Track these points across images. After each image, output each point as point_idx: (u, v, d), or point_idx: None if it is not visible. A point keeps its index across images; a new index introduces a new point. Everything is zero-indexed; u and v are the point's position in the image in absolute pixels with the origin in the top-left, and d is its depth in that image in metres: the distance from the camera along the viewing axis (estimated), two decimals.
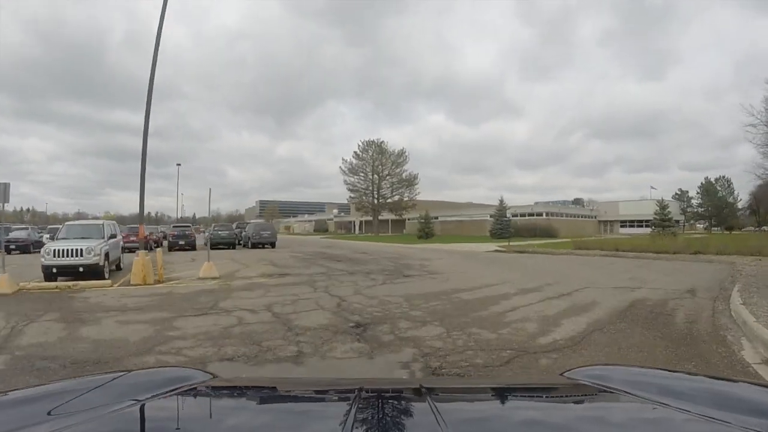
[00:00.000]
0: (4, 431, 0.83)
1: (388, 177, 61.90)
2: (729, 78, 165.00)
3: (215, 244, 26.33)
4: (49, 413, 0.93)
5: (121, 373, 1.30)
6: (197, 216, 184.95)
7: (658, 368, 1.68)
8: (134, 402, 1.02)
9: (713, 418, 0.89)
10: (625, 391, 1.10)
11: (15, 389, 1.15)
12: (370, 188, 62.27)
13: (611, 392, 1.13)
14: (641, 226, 62.19)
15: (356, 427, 0.83)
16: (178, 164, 54.51)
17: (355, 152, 62.12)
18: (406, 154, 61.96)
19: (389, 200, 62.15)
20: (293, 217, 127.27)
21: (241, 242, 31.65)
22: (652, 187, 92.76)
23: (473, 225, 61.20)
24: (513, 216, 47.69)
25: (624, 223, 67.50)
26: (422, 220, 44.73)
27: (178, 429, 0.94)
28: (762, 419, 0.88)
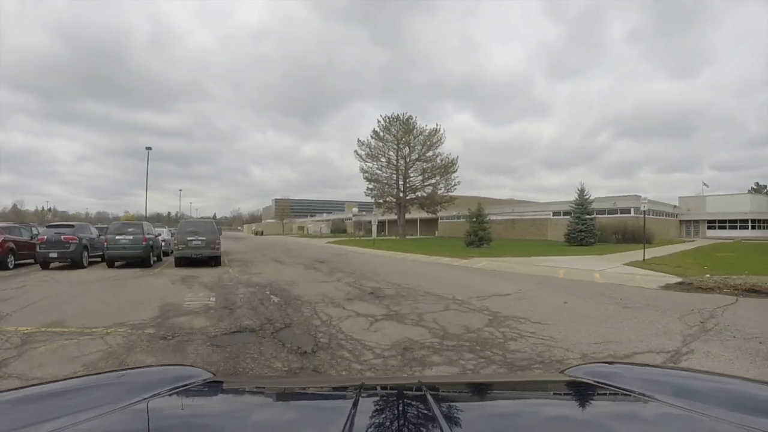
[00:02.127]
0: (5, 430, 0.82)
1: (417, 162, 47.82)
2: (762, 74, 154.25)
3: (114, 259, 16.81)
4: (49, 412, 0.92)
5: (121, 372, 1.34)
6: (218, 216, 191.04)
7: (659, 366, 1.65)
8: (134, 401, 1.01)
9: (715, 416, 0.88)
10: (626, 389, 1.11)
11: (15, 389, 1.14)
12: (395, 177, 48.28)
13: (612, 389, 1.14)
14: (734, 227, 50.65)
15: (358, 425, 0.83)
16: (148, 148, 42.52)
17: (374, 131, 48.29)
18: (442, 131, 47.79)
19: (419, 193, 48.07)
20: (311, 216, 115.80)
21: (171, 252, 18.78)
22: (704, 184, 78.76)
23: (530, 226, 47.69)
24: (586, 213, 33.31)
25: (712, 224, 52.75)
26: (474, 219, 30.52)
27: (178, 428, 0.96)
28: (764, 418, 0.87)
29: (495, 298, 8.91)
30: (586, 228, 31.89)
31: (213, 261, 16.93)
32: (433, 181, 47.62)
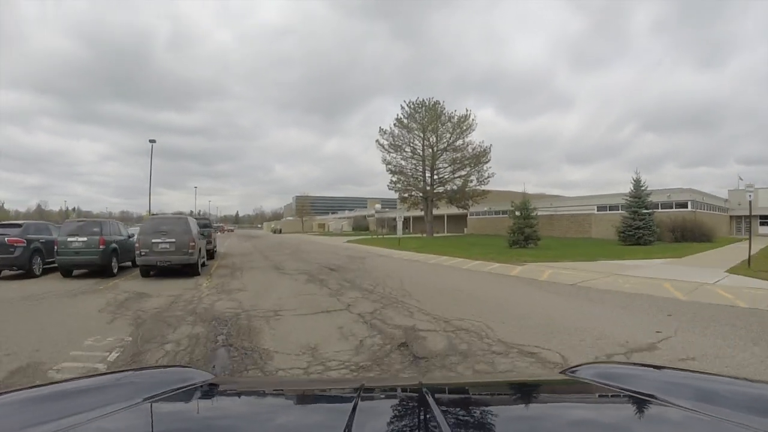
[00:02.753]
0: (5, 431, 0.83)
1: (447, 151, 43.13)
2: None
3: (65, 267, 13.19)
4: (48, 414, 0.91)
5: (121, 373, 1.36)
6: (240, 214, 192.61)
7: (659, 366, 1.50)
8: (133, 402, 1.00)
9: (716, 416, 0.88)
10: (626, 389, 1.11)
11: (16, 389, 1.14)
12: (420, 169, 43.67)
13: (611, 389, 1.14)
14: None
15: (358, 426, 0.83)
16: (152, 141, 39.27)
17: (398, 118, 43.76)
18: (472, 118, 42.96)
19: (448, 186, 43.36)
20: (332, 213, 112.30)
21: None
22: (740, 178, 71.36)
23: (571, 222, 42.82)
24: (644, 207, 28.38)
25: (766, 219, 46.47)
26: (519, 214, 25.76)
27: (177, 429, 0.96)
28: (764, 418, 0.87)
29: (637, 356, 4.53)
30: (645, 224, 26.88)
31: (189, 269, 12.81)
32: (464, 172, 42.88)
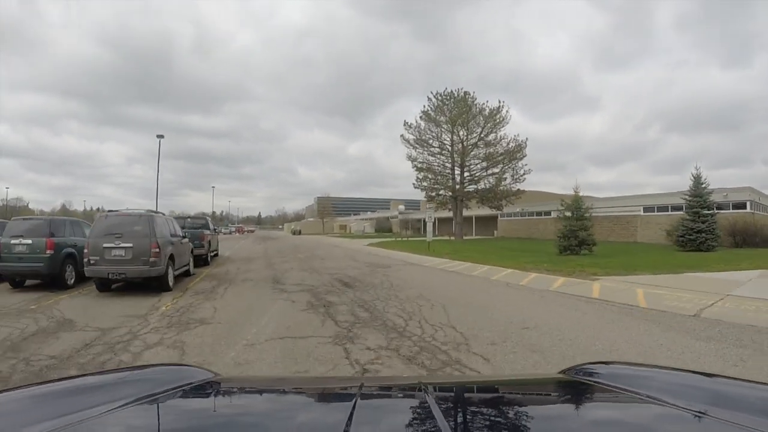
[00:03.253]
0: (5, 429, 0.82)
1: (478, 147, 39.41)
2: None
3: (11, 276, 10.49)
4: (49, 412, 0.90)
5: (123, 371, 1.35)
6: (263, 215, 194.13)
7: (657, 366, 1.51)
8: (136, 400, 1.00)
9: (715, 417, 0.88)
10: (625, 389, 1.11)
11: (16, 388, 1.15)
12: (449, 165, 40.04)
13: (610, 389, 1.14)
14: None
15: (357, 425, 0.83)
16: (160, 136, 36.92)
17: (424, 110, 40.24)
18: (506, 110, 39.11)
19: (480, 185, 39.61)
20: (354, 215, 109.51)
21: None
22: None
23: (613, 224, 38.63)
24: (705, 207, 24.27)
25: None
26: (570, 214, 21.96)
27: (178, 427, 0.95)
28: (764, 419, 0.86)
29: None
30: (708, 227, 22.74)
31: (156, 283, 9.69)
32: (497, 169, 39.07)
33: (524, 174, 39.03)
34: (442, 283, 10.91)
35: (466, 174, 39.50)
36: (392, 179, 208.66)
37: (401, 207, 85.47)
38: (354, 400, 0.97)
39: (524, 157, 38.87)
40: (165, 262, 9.75)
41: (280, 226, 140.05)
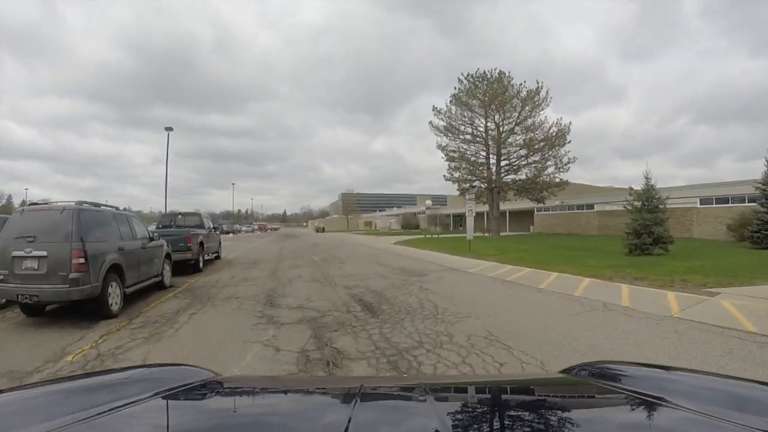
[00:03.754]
0: (5, 429, 0.82)
1: (515, 132, 35.48)
2: None
3: None
4: (49, 412, 0.90)
5: (123, 371, 1.34)
6: (288, 213, 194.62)
7: (658, 366, 1.44)
8: (135, 400, 0.99)
9: (712, 416, 0.87)
10: (625, 388, 1.11)
11: (17, 388, 1.20)
12: (483, 154, 36.23)
13: (611, 389, 1.14)
14: None
15: (357, 425, 0.82)
16: (168, 128, 34.59)
17: (454, 95, 36.49)
18: (546, 90, 35.03)
19: (520, 174, 35.69)
20: (379, 211, 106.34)
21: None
22: None
23: (681, 219, 33.81)
24: None
25: None
26: (640, 205, 18.03)
27: (179, 427, 0.94)
28: (763, 418, 0.86)
29: None
30: None
31: (95, 306, 6.63)
32: (536, 158, 35.06)
33: (568, 163, 34.92)
34: (512, 307, 7.40)
35: (503, 163, 35.65)
36: (416, 175, 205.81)
37: (428, 202, 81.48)
38: (354, 401, 0.97)
39: (567, 143, 34.75)
40: (100, 278, 6.61)
41: (305, 224, 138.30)
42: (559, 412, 1.07)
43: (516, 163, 35.43)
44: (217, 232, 16.73)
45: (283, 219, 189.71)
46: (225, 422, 0.97)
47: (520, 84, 35.05)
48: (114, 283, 7.20)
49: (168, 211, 14.55)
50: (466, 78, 35.91)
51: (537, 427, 0.93)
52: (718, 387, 1.13)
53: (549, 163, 34.61)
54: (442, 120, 36.37)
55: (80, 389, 1.11)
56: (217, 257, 16.72)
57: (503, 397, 1.25)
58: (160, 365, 1.48)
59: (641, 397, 1.02)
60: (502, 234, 36.88)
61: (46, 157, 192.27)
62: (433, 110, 36.44)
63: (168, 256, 10.34)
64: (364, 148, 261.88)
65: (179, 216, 14.42)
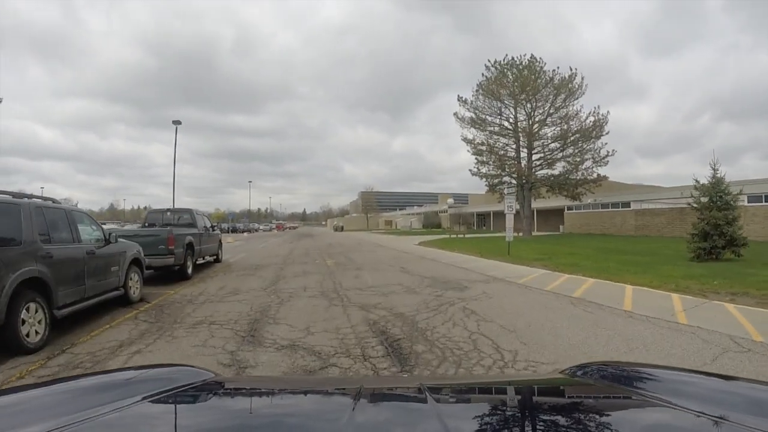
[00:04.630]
0: (5, 430, 0.81)
1: (547, 123, 32.60)
2: None
3: None
4: (49, 412, 0.90)
5: (122, 372, 1.34)
6: (308, 211, 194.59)
7: (658, 365, 1.49)
8: (135, 400, 0.98)
9: (715, 416, 0.86)
10: (626, 388, 1.12)
11: (16, 388, 1.15)
12: (514, 147, 33.39)
13: (611, 389, 1.14)
14: None
15: (357, 426, 0.82)
16: (176, 122, 33.05)
17: (480, 84, 33.74)
18: (581, 78, 32.06)
19: (554, 169, 32.81)
20: (400, 210, 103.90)
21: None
22: None
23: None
24: None
25: None
26: (707, 201, 15.15)
27: (179, 428, 0.93)
28: (762, 418, 0.85)
29: None
30: None
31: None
32: (572, 151, 32.10)
33: (607, 156, 31.88)
34: (612, 346, 4.88)
35: (535, 157, 32.80)
36: (436, 174, 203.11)
37: (450, 200, 78.80)
38: (354, 401, 0.97)
39: (605, 134, 31.70)
40: (2, 301, 4.41)
41: (323, 223, 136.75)
42: (560, 412, 1.05)
43: (550, 156, 32.51)
44: (216, 232, 14.52)
45: (303, 218, 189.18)
46: (225, 423, 0.95)
47: (553, 71, 32.18)
48: (33, 305, 5.03)
49: (156, 207, 12.34)
50: (493, 65, 33.16)
51: (538, 427, 0.90)
52: (719, 387, 1.12)
53: (586, 156, 31.64)
54: (469, 111, 33.72)
55: (80, 389, 1.10)
56: (216, 260, 14.54)
57: (504, 397, 1.23)
58: (159, 365, 1.41)
59: (642, 397, 1.03)
60: (533, 234, 34.03)
61: (69, 158, 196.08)
62: (458, 100, 33.82)
63: (137, 262, 8.13)
64: (384, 147, 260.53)
65: (168, 213, 12.23)
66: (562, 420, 0.97)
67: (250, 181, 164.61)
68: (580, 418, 0.98)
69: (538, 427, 0.91)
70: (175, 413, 1.03)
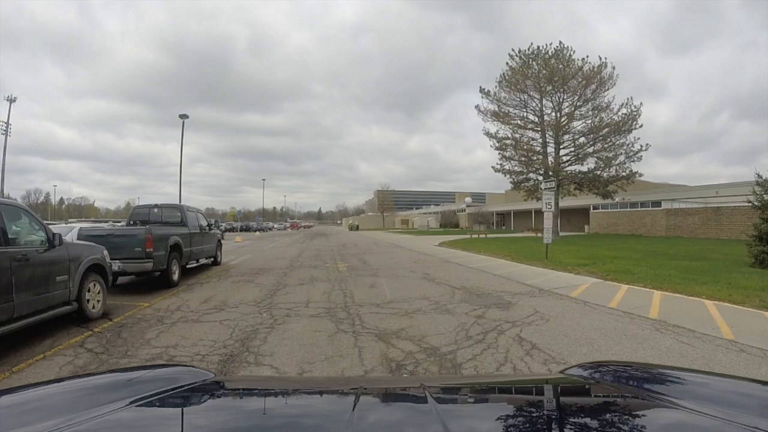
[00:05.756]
0: (4, 430, 0.81)
1: (575, 116, 30.40)
2: None
3: None
4: (49, 412, 0.89)
5: (122, 372, 1.31)
6: (323, 210, 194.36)
7: (658, 365, 1.46)
8: (136, 400, 0.98)
9: (715, 416, 0.86)
10: (625, 388, 1.12)
11: (16, 388, 1.11)
12: (540, 142, 31.28)
13: (612, 389, 1.14)
14: None
15: (358, 426, 0.82)
16: (183, 116, 31.60)
17: (504, 73, 31.67)
18: (611, 68, 29.79)
19: (583, 165, 30.60)
20: (416, 209, 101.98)
21: None
22: None
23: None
24: None
25: None
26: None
27: (178, 428, 0.92)
28: (763, 418, 0.85)
29: None
30: None
31: None
32: (604, 145, 29.84)
33: (640, 151, 29.56)
34: None
35: (563, 151, 30.65)
36: (452, 173, 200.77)
37: (468, 199, 76.78)
38: (354, 401, 0.97)
39: (638, 127, 29.36)
40: None
41: (339, 222, 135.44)
42: (560, 412, 1.05)
43: (581, 151, 30.29)
44: (214, 231, 12.91)
45: (319, 217, 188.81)
46: (225, 423, 0.94)
47: (582, 59, 29.95)
48: None
49: (140, 204, 10.77)
50: (517, 54, 31.06)
51: (537, 427, 0.90)
52: (720, 387, 1.11)
53: (621, 152, 29.36)
54: (492, 103, 31.67)
55: (80, 390, 1.10)
56: (215, 263, 12.94)
57: (504, 397, 1.22)
58: (159, 366, 1.40)
59: (642, 396, 1.03)
60: (560, 235, 31.92)
61: (86, 157, 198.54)
62: (480, 92, 31.78)
63: (98, 269, 6.53)
64: (400, 147, 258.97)
65: (155, 209, 10.64)
66: (562, 419, 0.96)
67: (263, 179, 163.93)
68: (579, 418, 0.98)
69: (538, 427, 0.90)
70: (175, 413, 1.02)
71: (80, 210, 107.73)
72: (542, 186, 16.41)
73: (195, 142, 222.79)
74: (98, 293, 6.50)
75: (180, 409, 1.05)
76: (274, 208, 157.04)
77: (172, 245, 8.86)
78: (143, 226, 8.89)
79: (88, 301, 6.22)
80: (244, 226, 63.53)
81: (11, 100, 50.55)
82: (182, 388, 1.09)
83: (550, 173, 29.64)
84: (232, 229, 53.80)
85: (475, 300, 7.17)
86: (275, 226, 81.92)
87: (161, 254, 8.37)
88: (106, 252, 6.91)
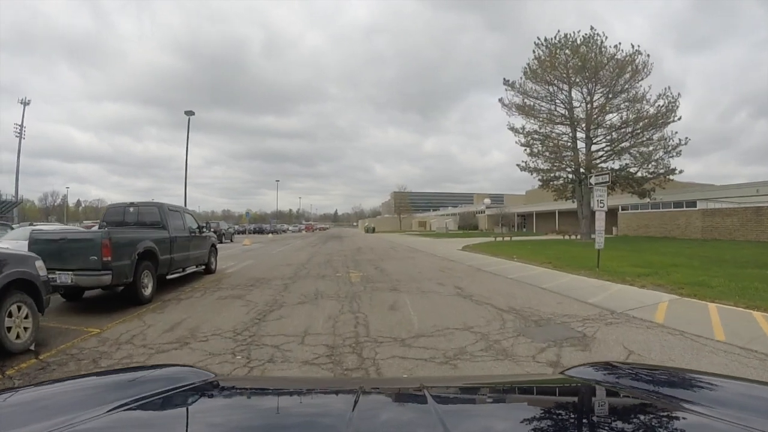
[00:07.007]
0: (7, 430, 0.80)
1: (608, 109, 28.08)
2: None
3: None
4: (49, 412, 0.88)
5: (122, 372, 1.32)
6: (340, 212, 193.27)
7: (658, 366, 1.54)
8: (136, 401, 0.96)
9: (715, 416, 0.85)
10: (626, 389, 1.10)
11: (16, 388, 1.10)
12: (570, 137, 29.03)
13: (612, 389, 1.12)
14: None
15: (357, 426, 0.81)
16: (189, 112, 30.43)
17: (529, 64, 29.48)
18: (645, 56, 27.38)
19: (616, 162, 28.28)
20: (434, 210, 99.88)
21: None
22: None
23: None
24: None
25: None
26: None
27: (178, 428, 0.92)
28: (764, 419, 0.85)
29: None
30: None
31: None
32: (640, 139, 27.48)
33: (679, 145, 27.13)
34: None
35: (595, 147, 28.36)
36: (468, 175, 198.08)
37: (487, 200, 74.47)
38: (354, 402, 0.96)
39: (677, 119, 26.94)
40: None
41: (354, 224, 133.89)
42: (560, 412, 1.04)
43: (616, 146, 27.94)
44: (207, 234, 11.16)
45: (335, 219, 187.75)
46: (226, 423, 0.94)
47: (615, 46, 27.61)
48: None
49: (118, 202, 9.05)
50: (544, 42, 28.87)
51: (537, 427, 0.89)
52: (721, 387, 1.10)
53: (659, 148, 26.98)
54: (516, 96, 29.53)
55: (81, 390, 1.09)
56: (207, 270, 11.19)
57: (504, 397, 1.22)
58: (159, 366, 1.37)
59: (642, 397, 1.02)
60: (572, 236, 29.61)
61: (103, 160, 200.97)
62: (504, 84, 29.66)
63: (27, 286, 4.81)
64: (416, 148, 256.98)
65: (130, 209, 8.90)
66: (561, 419, 0.96)
67: (277, 181, 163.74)
68: (579, 419, 0.98)
69: (538, 427, 0.89)
70: (176, 413, 1.01)
71: (97, 212, 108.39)
72: (592, 181, 14.34)
73: (211, 144, 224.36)
74: (25, 318, 4.79)
75: (181, 408, 1.03)
76: (290, 210, 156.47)
77: (141, 253, 7.09)
78: (100, 230, 7.14)
79: (9, 329, 4.51)
80: (257, 228, 62.13)
81: (25, 103, 50.58)
82: (183, 388, 1.07)
83: (581, 169, 27.43)
84: (243, 231, 52.32)
85: (536, 332, 5.21)
86: (290, 228, 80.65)
87: (124, 264, 6.61)
88: (40, 263, 5.20)
